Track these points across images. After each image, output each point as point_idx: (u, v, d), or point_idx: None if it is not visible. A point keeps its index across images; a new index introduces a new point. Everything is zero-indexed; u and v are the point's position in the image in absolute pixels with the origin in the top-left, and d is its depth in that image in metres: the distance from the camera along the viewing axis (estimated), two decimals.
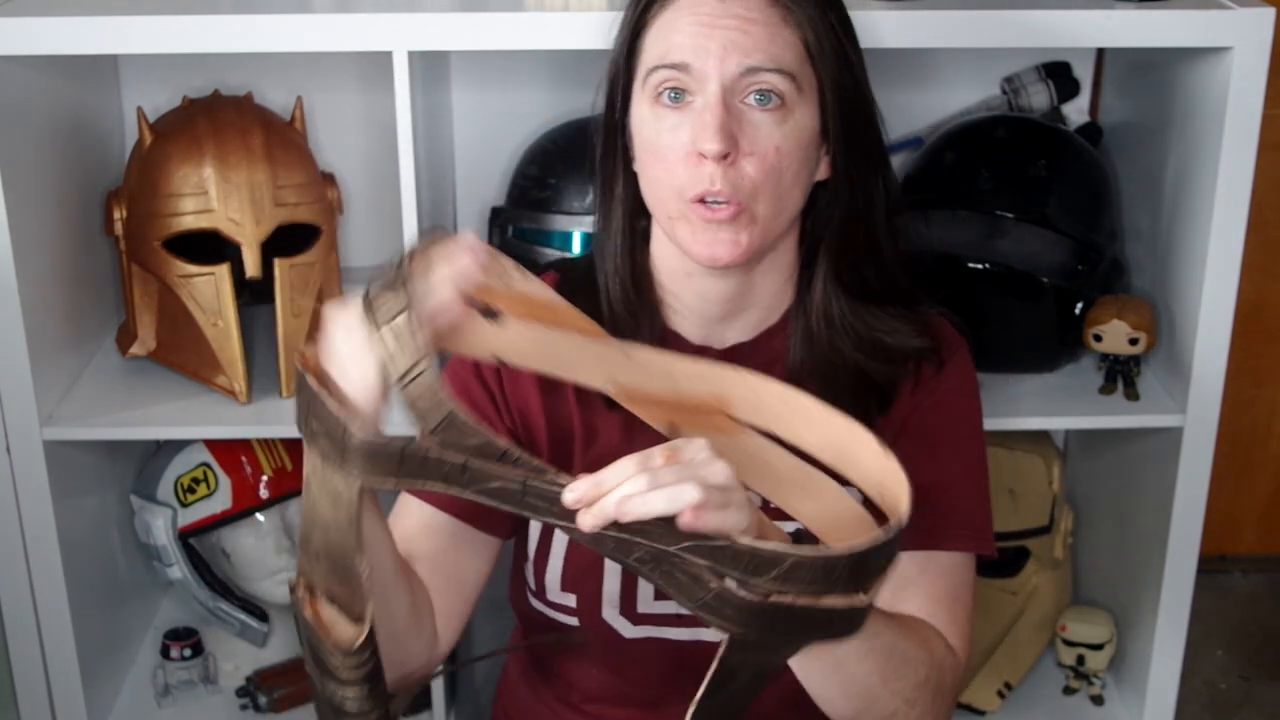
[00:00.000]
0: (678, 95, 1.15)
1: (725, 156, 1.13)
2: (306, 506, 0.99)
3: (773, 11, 1.14)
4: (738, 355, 1.26)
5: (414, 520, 1.25)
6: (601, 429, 1.26)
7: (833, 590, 0.89)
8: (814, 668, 1.08)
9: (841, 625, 0.93)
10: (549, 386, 1.25)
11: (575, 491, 0.90)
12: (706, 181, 1.13)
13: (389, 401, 0.97)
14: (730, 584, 0.90)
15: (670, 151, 1.15)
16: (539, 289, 1.07)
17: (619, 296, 1.25)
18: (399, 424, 0.96)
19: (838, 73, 1.17)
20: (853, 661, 1.08)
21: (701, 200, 1.14)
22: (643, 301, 1.25)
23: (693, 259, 1.18)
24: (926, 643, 1.19)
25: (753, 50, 1.13)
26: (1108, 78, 1.95)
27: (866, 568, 0.90)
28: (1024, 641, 1.93)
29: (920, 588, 1.23)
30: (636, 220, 1.24)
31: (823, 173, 1.21)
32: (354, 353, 0.95)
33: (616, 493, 0.89)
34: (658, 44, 1.16)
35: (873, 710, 1.12)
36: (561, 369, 1.08)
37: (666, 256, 1.24)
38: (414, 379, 0.91)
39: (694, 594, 0.90)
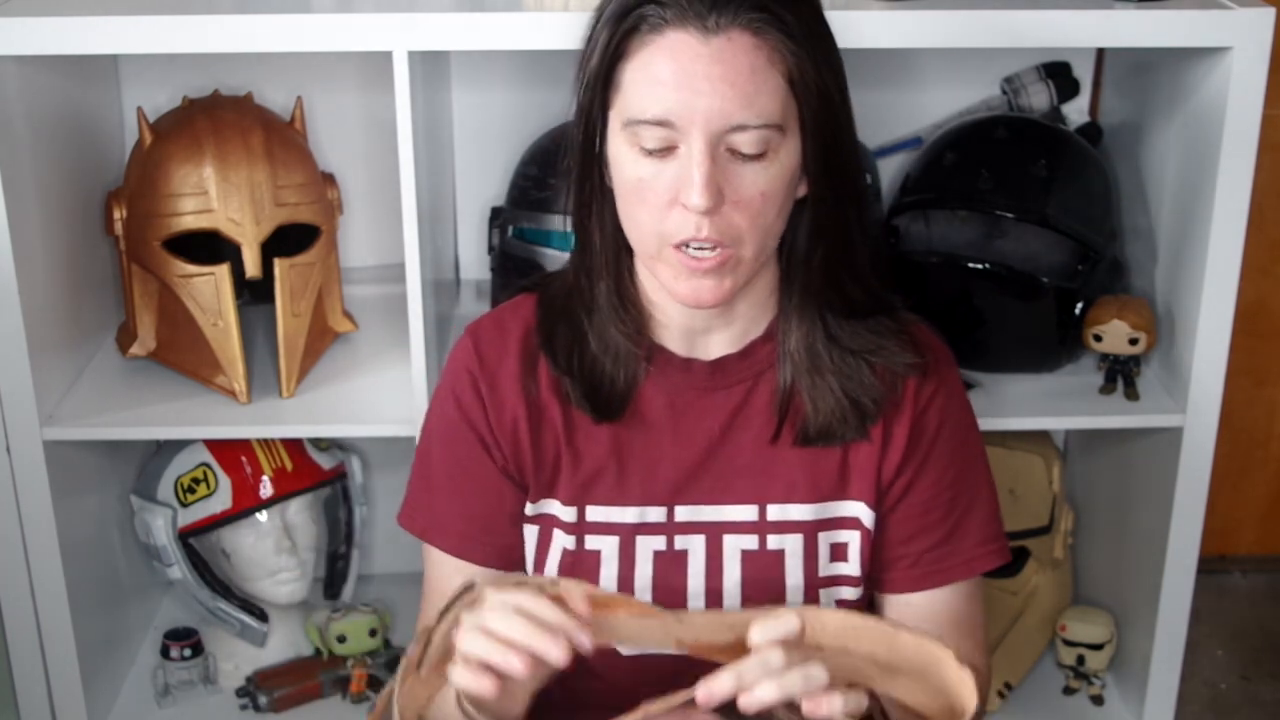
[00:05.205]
0: (662, 148, 1.11)
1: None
2: None
3: (758, 54, 1.10)
4: (724, 367, 1.25)
5: (450, 579, 1.26)
6: (587, 453, 1.26)
7: None
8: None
9: None
10: (535, 415, 1.25)
11: (715, 685, 0.96)
12: (692, 229, 1.11)
13: None
14: None
15: (654, 196, 1.12)
16: (580, 587, 1.08)
17: (609, 320, 1.24)
18: None
19: (819, 111, 1.13)
20: None
21: (685, 245, 1.13)
22: (632, 320, 1.24)
23: (675, 299, 1.18)
24: None
25: (740, 108, 1.09)
26: (1108, 78, 1.95)
27: None
28: (1024, 641, 1.93)
29: (943, 618, 1.26)
30: (620, 240, 1.21)
31: (801, 190, 1.19)
32: None
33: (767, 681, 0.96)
34: (638, 90, 1.12)
35: None
36: (628, 643, 1.13)
37: (650, 275, 1.23)
38: None
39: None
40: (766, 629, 0.98)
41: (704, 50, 1.09)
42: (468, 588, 1.02)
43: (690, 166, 1.10)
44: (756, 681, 0.95)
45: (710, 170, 1.09)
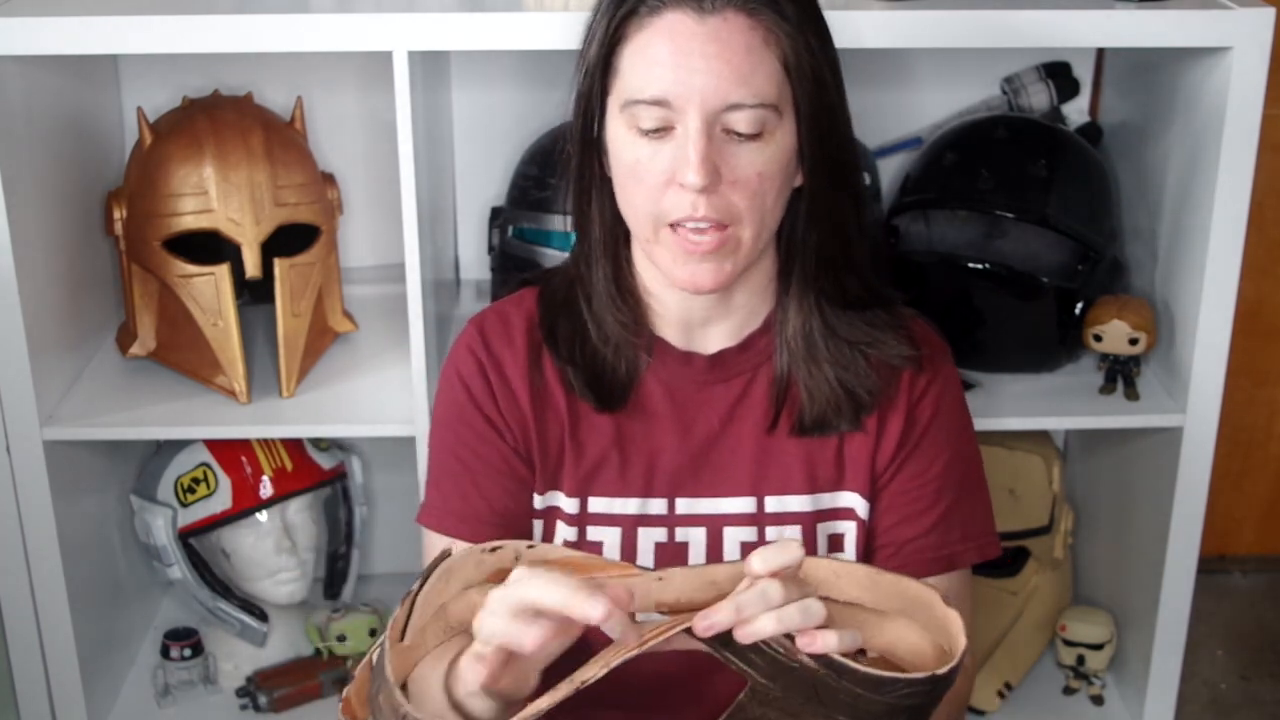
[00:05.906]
0: (658, 128, 1.13)
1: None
2: None
3: (753, 34, 1.12)
4: (724, 361, 1.26)
5: None
6: (590, 444, 1.26)
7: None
8: None
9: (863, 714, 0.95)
10: (540, 405, 1.26)
11: (715, 616, 0.94)
12: (688, 208, 1.13)
13: None
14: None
15: (650, 177, 1.14)
16: (556, 551, 1.07)
17: (606, 308, 1.25)
18: None
19: (813, 95, 1.15)
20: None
21: (681, 224, 1.14)
22: (629, 309, 1.25)
23: (674, 284, 1.18)
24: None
25: (736, 86, 1.11)
26: (1108, 78, 1.95)
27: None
28: (1024, 641, 1.93)
29: None
30: (618, 229, 1.23)
31: (798, 180, 1.20)
32: None
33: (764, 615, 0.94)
34: (636, 71, 1.14)
35: None
36: None
37: (649, 264, 1.24)
38: None
39: (726, 639, 0.95)
40: (767, 557, 0.97)
41: (700, 30, 1.11)
42: (445, 554, 1.01)
43: (686, 145, 1.11)
44: (755, 614, 0.94)
45: (706, 148, 1.11)
